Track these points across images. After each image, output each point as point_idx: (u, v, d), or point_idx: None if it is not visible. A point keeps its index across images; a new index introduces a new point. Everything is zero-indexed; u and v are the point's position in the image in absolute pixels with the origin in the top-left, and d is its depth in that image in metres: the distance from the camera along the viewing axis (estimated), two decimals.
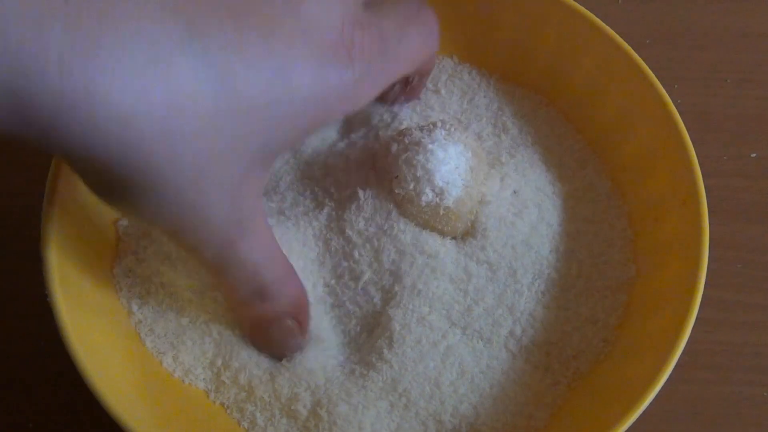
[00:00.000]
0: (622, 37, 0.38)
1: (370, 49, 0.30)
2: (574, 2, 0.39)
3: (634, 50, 0.38)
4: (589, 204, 0.39)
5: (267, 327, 0.34)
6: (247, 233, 0.30)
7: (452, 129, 0.36)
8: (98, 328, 0.34)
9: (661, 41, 0.50)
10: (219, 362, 0.35)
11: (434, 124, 0.36)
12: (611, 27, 0.39)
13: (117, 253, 0.37)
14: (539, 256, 0.37)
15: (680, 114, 0.37)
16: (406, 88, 0.39)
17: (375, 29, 0.30)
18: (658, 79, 0.37)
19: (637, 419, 0.31)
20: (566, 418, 0.34)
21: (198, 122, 0.26)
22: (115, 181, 0.26)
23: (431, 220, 0.36)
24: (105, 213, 0.37)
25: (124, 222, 0.37)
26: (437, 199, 0.35)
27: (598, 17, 0.39)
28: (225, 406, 0.35)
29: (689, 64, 0.49)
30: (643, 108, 0.38)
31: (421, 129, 0.36)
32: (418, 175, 0.35)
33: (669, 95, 0.37)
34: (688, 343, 0.32)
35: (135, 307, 0.36)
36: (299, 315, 0.34)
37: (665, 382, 0.31)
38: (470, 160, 0.36)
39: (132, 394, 0.33)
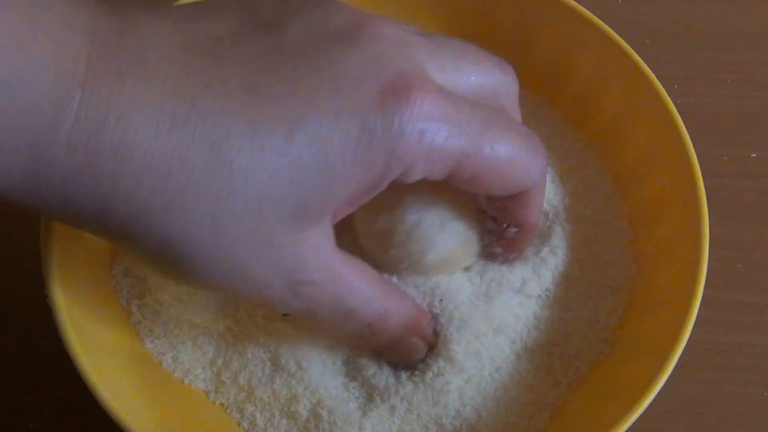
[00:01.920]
0: (622, 37, 0.38)
1: (430, 102, 0.27)
2: (574, 2, 0.39)
3: (634, 50, 0.38)
4: (589, 204, 0.39)
5: (388, 350, 0.34)
6: (320, 285, 0.29)
7: None
8: (98, 328, 0.34)
9: (661, 41, 0.50)
10: (219, 362, 0.35)
11: None
12: (611, 27, 0.39)
13: (116, 254, 0.37)
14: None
15: (680, 114, 0.37)
16: (500, 239, 0.35)
17: (443, 93, 0.28)
18: (658, 79, 0.37)
19: (637, 419, 0.31)
20: (566, 418, 0.34)
21: (205, 188, 0.26)
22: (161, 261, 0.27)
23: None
24: None
25: None
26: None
27: (598, 17, 0.39)
28: (225, 406, 0.35)
29: (689, 64, 0.49)
30: (643, 108, 0.38)
31: None
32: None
33: (669, 95, 0.37)
34: (688, 343, 0.32)
35: (134, 308, 0.36)
36: (420, 332, 0.33)
37: (665, 382, 0.31)
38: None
39: (132, 394, 0.33)
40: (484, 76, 0.31)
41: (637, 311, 0.36)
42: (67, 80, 0.24)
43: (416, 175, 0.28)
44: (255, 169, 0.26)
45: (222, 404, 0.35)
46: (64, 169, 0.24)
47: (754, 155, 0.46)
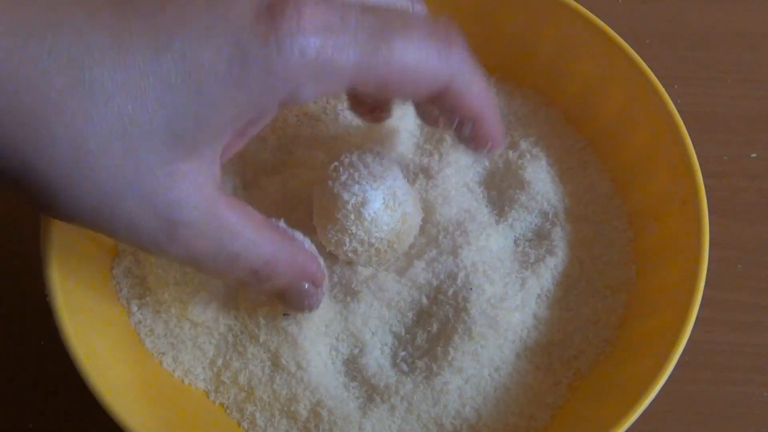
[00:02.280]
0: (622, 37, 0.38)
1: (311, 19, 0.25)
2: (574, 2, 0.39)
3: (634, 50, 0.38)
4: (589, 204, 0.39)
5: (278, 298, 0.32)
6: (200, 227, 0.27)
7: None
8: (98, 328, 0.34)
9: (661, 41, 0.50)
10: (219, 362, 0.35)
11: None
12: (611, 27, 0.39)
13: (116, 254, 0.37)
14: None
15: (680, 114, 0.37)
16: (463, 141, 0.33)
17: (331, 7, 0.26)
18: (658, 79, 0.37)
19: (637, 419, 0.31)
20: (566, 418, 0.34)
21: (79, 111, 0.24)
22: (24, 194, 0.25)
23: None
24: None
25: None
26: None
27: (598, 17, 0.39)
28: (225, 406, 0.35)
29: (689, 64, 0.49)
30: (643, 108, 0.38)
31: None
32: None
33: (669, 95, 0.37)
34: (688, 343, 0.32)
35: (134, 308, 0.36)
36: (310, 277, 0.31)
37: (665, 382, 0.31)
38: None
39: (132, 394, 0.33)
40: None
41: (637, 311, 0.36)
42: None
43: (307, 96, 0.26)
44: (118, 90, 0.24)
45: (222, 404, 0.35)
46: None
47: (754, 155, 0.46)
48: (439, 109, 0.31)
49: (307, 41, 0.25)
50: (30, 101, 0.23)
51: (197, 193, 0.26)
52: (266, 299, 0.34)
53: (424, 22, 0.29)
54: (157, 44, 0.24)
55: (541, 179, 0.39)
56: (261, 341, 0.35)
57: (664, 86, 0.37)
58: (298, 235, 0.32)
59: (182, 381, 0.35)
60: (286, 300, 0.32)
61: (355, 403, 0.34)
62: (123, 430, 0.30)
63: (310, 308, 0.33)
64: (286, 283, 0.31)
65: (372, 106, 0.35)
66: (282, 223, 0.32)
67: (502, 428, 0.34)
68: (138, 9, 0.25)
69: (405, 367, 0.35)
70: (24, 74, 0.23)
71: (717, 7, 0.51)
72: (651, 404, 0.31)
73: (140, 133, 0.24)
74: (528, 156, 0.39)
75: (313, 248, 0.33)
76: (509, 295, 0.36)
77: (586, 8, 0.39)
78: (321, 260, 0.33)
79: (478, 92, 0.31)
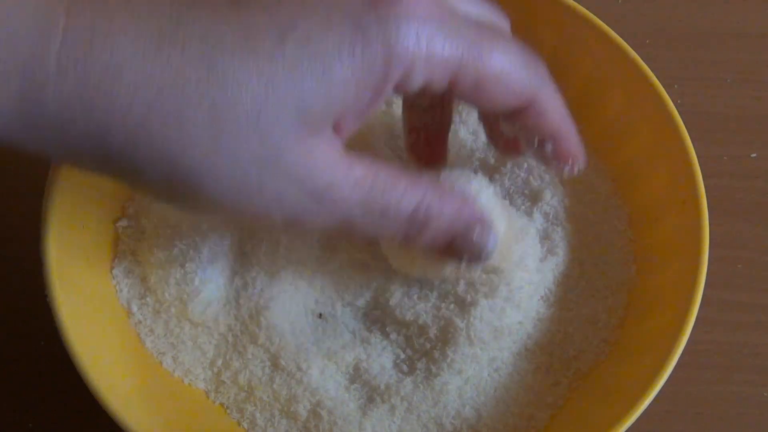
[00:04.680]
0: (622, 37, 0.38)
1: (424, 11, 0.27)
2: (574, 2, 0.39)
3: (634, 50, 0.38)
4: (589, 204, 0.39)
5: (449, 250, 0.31)
6: (343, 187, 0.28)
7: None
8: (98, 328, 0.34)
9: (661, 41, 0.50)
10: (219, 362, 0.35)
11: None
12: (611, 27, 0.39)
13: (116, 254, 0.37)
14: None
15: (680, 114, 0.37)
16: (546, 161, 0.33)
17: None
18: (658, 79, 0.37)
19: (637, 419, 0.31)
20: (566, 418, 0.34)
21: (199, 101, 0.25)
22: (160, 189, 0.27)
23: None
24: (104, 214, 0.37)
25: (123, 222, 0.37)
26: None
27: (598, 17, 0.39)
28: (225, 406, 0.35)
29: (689, 64, 0.49)
30: (643, 108, 0.38)
31: None
32: None
33: (669, 95, 0.37)
34: (688, 343, 0.32)
35: (134, 308, 0.36)
36: (470, 217, 0.31)
37: (665, 382, 0.31)
38: None
39: (132, 394, 0.33)
40: (483, 9, 0.31)
41: (637, 311, 0.36)
42: (50, 6, 0.24)
43: (417, 80, 0.27)
44: (249, 77, 0.25)
45: (222, 404, 0.35)
46: (56, 94, 0.24)
47: (754, 155, 0.46)
48: (521, 126, 0.32)
49: (422, 26, 0.27)
50: (171, 99, 0.25)
51: (332, 158, 0.28)
52: (439, 256, 0.32)
53: (514, 38, 0.31)
54: (281, 31, 0.26)
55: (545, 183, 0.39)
56: (261, 341, 0.35)
57: (664, 86, 0.37)
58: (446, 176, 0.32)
59: (182, 381, 0.35)
60: (456, 248, 0.31)
61: (355, 403, 0.34)
62: (123, 430, 0.30)
63: (487, 252, 0.32)
64: (447, 225, 0.30)
65: (507, 138, 0.35)
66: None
67: (502, 428, 0.34)
68: (256, 3, 0.26)
69: (405, 368, 0.35)
70: (161, 74, 0.25)
71: (717, 7, 0.51)
72: (651, 404, 0.31)
73: (273, 116, 0.26)
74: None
75: (462, 190, 0.32)
76: (509, 295, 0.36)
77: (586, 8, 0.39)
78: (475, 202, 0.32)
79: (559, 108, 0.32)
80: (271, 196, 0.27)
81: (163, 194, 0.28)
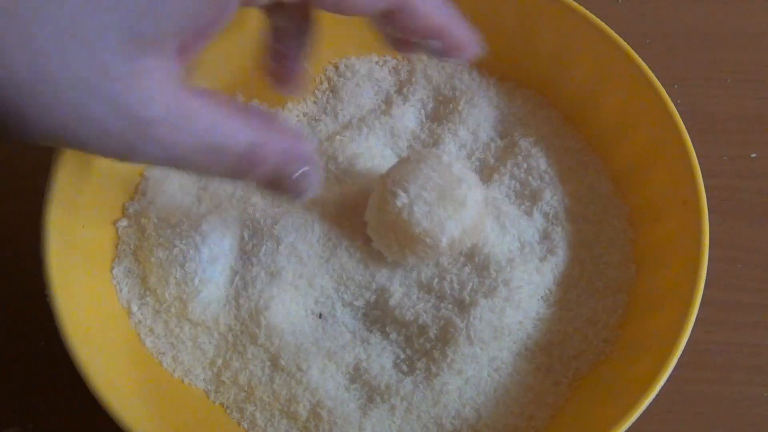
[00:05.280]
0: (622, 37, 0.38)
1: None
2: (574, 2, 0.39)
3: (634, 50, 0.38)
4: (589, 204, 0.39)
5: (275, 187, 0.30)
6: (172, 122, 0.26)
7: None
8: (98, 328, 0.34)
9: (661, 41, 0.50)
10: (219, 362, 0.35)
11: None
12: (611, 27, 0.39)
13: (116, 254, 0.37)
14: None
15: (680, 114, 0.37)
16: (436, 54, 0.33)
17: None
18: (658, 79, 0.37)
19: (637, 419, 0.31)
20: (566, 418, 0.34)
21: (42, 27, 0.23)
22: None
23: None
24: (104, 214, 0.37)
25: (123, 223, 0.37)
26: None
27: (598, 17, 0.39)
28: (225, 406, 0.35)
29: (689, 64, 0.49)
30: (643, 108, 0.38)
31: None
32: None
33: (669, 95, 0.37)
34: (688, 343, 0.32)
35: (135, 308, 0.36)
36: (304, 158, 0.30)
37: (665, 382, 0.31)
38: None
39: (132, 394, 0.33)
40: None
41: (637, 311, 0.36)
42: None
43: None
44: None
45: (222, 404, 0.35)
46: None
47: (754, 155, 0.46)
48: (401, 31, 0.31)
49: None
50: None
51: (163, 88, 0.25)
52: (266, 192, 0.32)
53: None
54: None
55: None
56: (261, 341, 0.35)
57: (664, 86, 0.37)
58: (279, 114, 0.31)
59: (182, 381, 0.35)
60: (282, 187, 0.30)
61: (355, 403, 0.34)
62: (123, 430, 0.30)
63: (309, 191, 0.31)
64: (276, 165, 0.29)
65: (398, 37, 0.33)
66: (256, 102, 0.30)
67: (502, 428, 0.34)
68: None
69: (405, 368, 0.35)
70: None
71: (717, 7, 0.51)
72: (651, 404, 0.31)
73: (96, 32, 0.24)
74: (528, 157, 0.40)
75: (298, 126, 0.31)
76: (509, 294, 0.36)
77: (586, 8, 0.39)
78: (310, 139, 0.31)
79: (434, 4, 0.31)
80: (94, 127, 0.25)
81: None
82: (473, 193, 0.34)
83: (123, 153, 0.26)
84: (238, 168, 0.28)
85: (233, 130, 0.27)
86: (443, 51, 0.32)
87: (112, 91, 0.24)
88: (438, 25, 0.31)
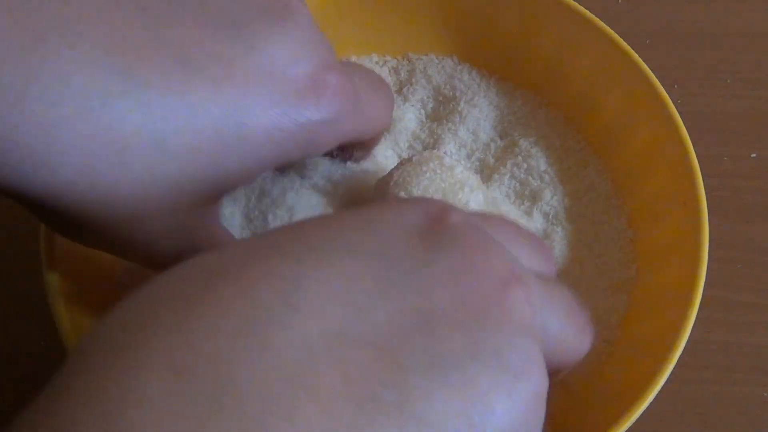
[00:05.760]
0: (622, 37, 0.38)
1: (342, 95, 0.28)
2: (573, 2, 0.39)
3: (634, 50, 0.38)
4: (589, 204, 0.39)
5: None
6: None
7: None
8: None
9: (661, 41, 0.50)
10: None
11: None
12: (611, 27, 0.39)
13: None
14: None
15: (680, 114, 0.37)
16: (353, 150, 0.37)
17: (348, 78, 0.29)
18: (658, 79, 0.37)
19: (637, 419, 0.31)
20: (567, 418, 0.34)
21: (136, 167, 0.25)
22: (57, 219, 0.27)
23: None
24: None
25: None
26: None
27: (598, 17, 0.39)
28: None
29: (689, 64, 0.49)
30: (643, 108, 0.38)
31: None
32: None
33: (669, 95, 0.37)
34: (688, 343, 0.32)
35: None
36: None
37: (665, 382, 0.31)
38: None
39: None
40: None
41: (636, 311, 0.36)
42: None
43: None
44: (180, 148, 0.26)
45: None
46: None
47: (754, 155, 0.46)
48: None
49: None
50: (103, 157, 0.25)
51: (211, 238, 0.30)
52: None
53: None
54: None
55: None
56: None
57: (664, 86, 0.37)
58: None
59: None
60: None
61: None
62: None
63: None
64: None
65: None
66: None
67: None
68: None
69: None
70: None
71: (717, 7, 0.51)
72: (651, 404, 0.31)
73: (191, 188, 0.27)
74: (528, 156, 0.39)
75: None
76: None
77: (586, 8, 0.39)
78: None
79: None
80: (156, 254, 0.28)
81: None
82: (475, 196, 0.34)
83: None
84: None
85: None
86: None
87: (184, 238, 0.28)
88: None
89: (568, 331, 0.25)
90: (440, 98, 0.42)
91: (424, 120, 0.42)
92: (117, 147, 0.25)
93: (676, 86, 0.47)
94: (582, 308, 0.26)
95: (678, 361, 0.32)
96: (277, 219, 0.35)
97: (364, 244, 0.20)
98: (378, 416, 0.17)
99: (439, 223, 0.21)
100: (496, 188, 0.39)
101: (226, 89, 0.26)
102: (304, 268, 0.19)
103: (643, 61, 0.38)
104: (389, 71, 0.43)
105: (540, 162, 0.39)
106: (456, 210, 0.22)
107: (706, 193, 0.35)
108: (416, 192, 0.34)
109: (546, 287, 0.24)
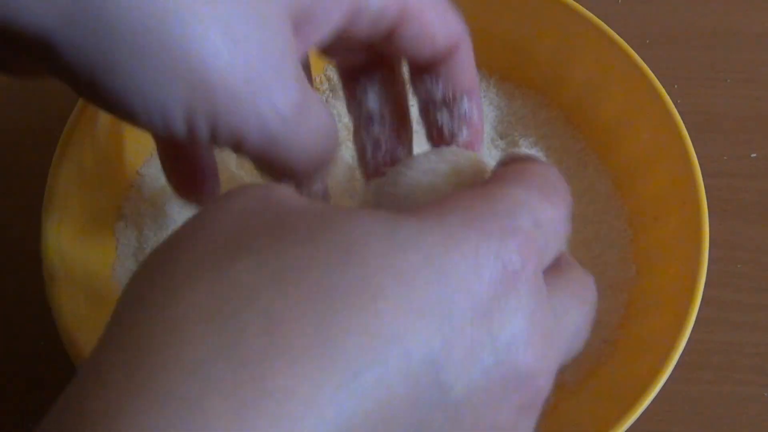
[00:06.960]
0: (622, 37, 0.38)
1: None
2: (574, 2, 0.39)
3: (634, 50, 0.38)
4: (589, 204, 0.39)
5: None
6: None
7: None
8: (98, 328, 0.34)
9: (661, 41, 0.50)
10: None
11: None
12: (611, 27, 0.39)
13: (116, 254, 0.37)
14: None
15: (680, 114, 0.37)
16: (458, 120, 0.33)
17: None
18: (658, 79, 0.37)
19: (637, 419, 0.31)
20: (567, 417, 0.34)
21: None
22: None
23: None
24: (105, 214, 0.37)
25: (123, 223, 0.37)
26: None
27: (598, 17, 0.39)
28: None
29: (689, 64, 0.49)
30: (643, 108, 0.38)
31: None
32: None
33: (669, 95, 0.37)
34: (688, 343, 0.32)
35: None
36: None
37: (665, 382, 0.31)
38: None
39: None
40: None
41: (636, 311, 0.36)
42: None
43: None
44: None
45: None
46: None
47: (754, 155, 0.46)
48: (436, 77, 0.31)
49: None
50: None
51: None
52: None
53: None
54: None
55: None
56: None
57: (664, 86, 0.37)
58: None
59: None
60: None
61: None
62: None
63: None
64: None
65: (439, 127, 0.33)
66: None
67: None
68: None
69: None
70: None
71: (717, 7, 0.51)
72: (651, 404, 0.31)
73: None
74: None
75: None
76: None
77: (586, 8, 0.39)
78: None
79: (473, 66, 0.32)
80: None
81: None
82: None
83: None
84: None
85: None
86: (463, 117, 0.32)
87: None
88: (472, 85, 0.32)
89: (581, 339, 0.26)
90: None
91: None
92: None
93: (676, 86, 0.47)
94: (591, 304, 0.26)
95: (678, 361, 0.32)
96: None
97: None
98: None
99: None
100: None
101: None
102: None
103: (643, 61, 0.38)
104: None
105: None
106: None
107: (706, 193, 0.35)
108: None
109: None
